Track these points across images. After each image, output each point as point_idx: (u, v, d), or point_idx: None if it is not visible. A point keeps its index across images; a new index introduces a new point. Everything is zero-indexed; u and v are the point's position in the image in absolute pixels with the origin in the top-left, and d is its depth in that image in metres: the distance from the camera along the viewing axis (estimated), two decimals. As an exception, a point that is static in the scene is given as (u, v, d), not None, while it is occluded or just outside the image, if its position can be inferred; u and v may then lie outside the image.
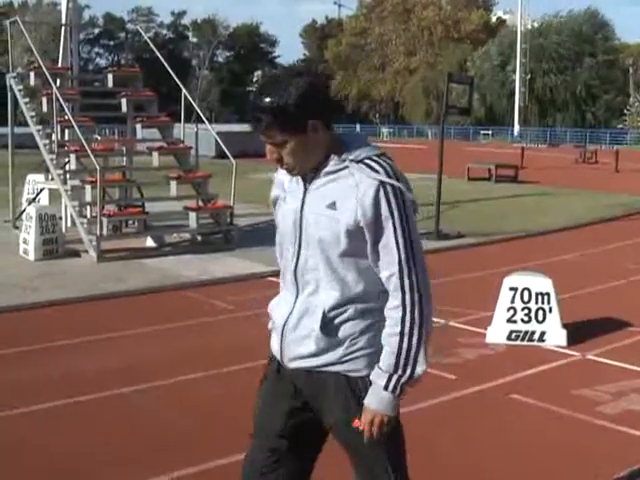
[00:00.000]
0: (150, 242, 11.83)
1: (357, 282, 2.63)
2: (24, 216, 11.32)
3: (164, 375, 6.01)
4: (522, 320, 6.94)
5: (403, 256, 2.58)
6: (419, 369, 2.59)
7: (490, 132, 63.49)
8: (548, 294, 6.91)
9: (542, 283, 6.95)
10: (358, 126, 76.67)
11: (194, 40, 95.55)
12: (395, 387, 2.57)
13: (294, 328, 2.71)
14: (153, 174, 13.17)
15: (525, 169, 26.60)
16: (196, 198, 12.36)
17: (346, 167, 2.60)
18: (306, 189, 2.67)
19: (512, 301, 6.98)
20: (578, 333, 6.97)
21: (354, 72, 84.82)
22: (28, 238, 10.70)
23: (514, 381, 5.98)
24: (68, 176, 11.87)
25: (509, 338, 6.95)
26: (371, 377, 2.62)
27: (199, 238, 12.12)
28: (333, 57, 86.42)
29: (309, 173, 2.66)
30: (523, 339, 6.91)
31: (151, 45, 14.46)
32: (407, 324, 2.57)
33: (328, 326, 2.64)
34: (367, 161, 2.60)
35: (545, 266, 8.91)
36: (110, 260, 10.63)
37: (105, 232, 11.20)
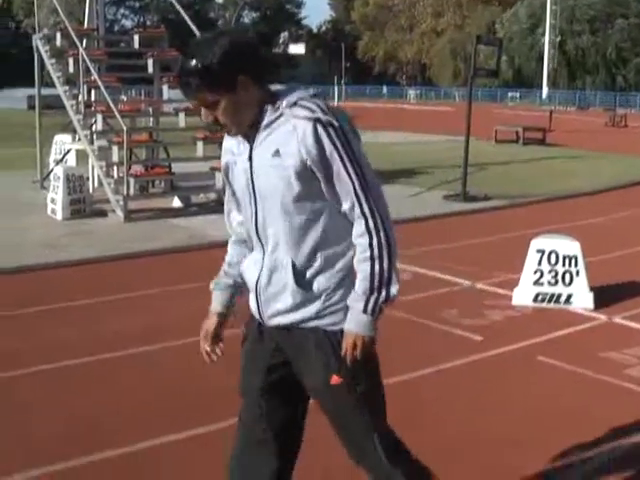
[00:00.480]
0: (177, 202, 11.88)
1: (316, 227, 2.67)
2: (52, 176, 11.40)
3: (189, 333, 5.94)
4: (549, 283, 6.91)
5: (357, 184, 2.61)
6: (393, 289, 2.64)
7: (518, 94, 62.80)
8: (575, 257, 6.86)
9: (569, 246, 6.91)
10: (385, 88, 76.16)
11: (220, 1, 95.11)
12: (374, 309, 2.63)
13: (267, 285, 2.75)
14: (179, 135, 13.18)
15: (553, 132, 26.33)
16: (222, 159, 12.31)
17: (281, 114, 2.63)
18: (252, 147, 2.71)
19: (539, 263, 6.95)
20: (605, 296, 6.93)
21: (381, 33, 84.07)
22: (56, 198, 10.78)
23: (540, 343, 5.96)
24: (95, 137, 11.91)
25: (535, 300, 6.93)
26: (348, 302, 2.67)
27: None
28: (360, 18, 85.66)
29: (251, 132, 2.70)
30: (550, 301, 6.89)
31: (177, 6, 14.35)
32: (375, 248, 2.62)
33: (301, 279, 2.69)
34: (300, 102, 2.62)
35: (573, 229, 8.84)
36: (137, 220, 10.70)
37: (132, 192, 11.26)
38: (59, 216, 10.66)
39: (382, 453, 2.79)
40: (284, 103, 2.64)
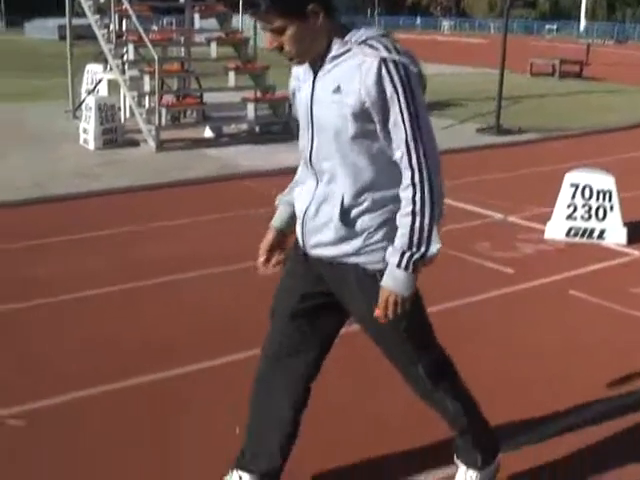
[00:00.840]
0: (208, 133, 11.85)
1: (370, 168, 2.63)
2: (83, 106, 11.39)
3: (218, 263, 6.09)
4: (582, 217, 6.84)
5: (410, 134, 2.55)
6: (433, 248, 2.61)
7: (555, 27, 61.43)
8: (610, 192, 6.78)
9: (604, 180, 6.82)
10: (418, 19, 74.85)
11: None
12: (407, 264, 2.60)
13: (314, 216, 2.75)
14: (211, 65, 13.06)
15: (590, 65, 25.77)
16: (254, 89, 12.29)
17: (349, 49, 2.57)
18: (315, 77, 2.66)
19: (572, 198, 6.87)
20: (638, 232, 6.87)
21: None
22: (88, 128, 10.79)
23: (572, 277, 5.94)
24: (126, 66, 11.84)
25: (568, 235, 6.88)
26: (386, 256, 2.65)
27: (257, 129, 12.10)
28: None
29: (317, 61, 2.64)
30: (582, 236, 6.84)
31: None
32: (418, 203, 2.57)
33: (346, 216, 2.67)
34: (369, 41, 2.55)
35: (608, 164, 8.70)
36: (169, 150, 10.70)
37: (164, 122, 11.24)
38: (91, 146, 10.68)
39: (426, 380, 2.88)
40: (353, 39, 2.57)
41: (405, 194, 2.60)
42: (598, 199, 6.82)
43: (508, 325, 5.08)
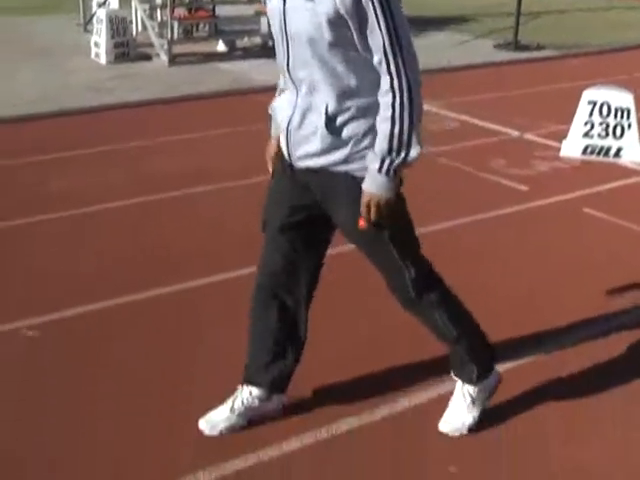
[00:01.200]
0: (221, 46, 11.66)
1: (350, 74, 2.59)
2: (94, 19, 11.20)
3: (232, 177, 6.06)
4: (599, 135, 6.74)
5: (387, 40, 2.51)
6: (413, 152, 2.59)
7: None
8: (628, 110, 6.65)
9: (623, 98, 6.68)
10: None
11: None
12: (388, 170, 2.59)
13: (298, 126, 2.72)
14: (224, -23, 12.81)
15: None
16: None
17: None
18: None
19: (590, 115, 6.75)
20: (656, 150, 6.79)
21: None
22: (99, 41, 10.63)
23: (587, 195, 5.88)
24: (137, -23, 11.63)
25: (584, 153, 6.78)
26: (366, 162, 2.64)
27: (271, 43, 11.86)
28: None
29: None
30: (599, 154, 6.74)
31: None
32: (397, 108, 2.55)
33: (332, 124, 2.64)
34: None
35: (627, 82, 8.50)
36: (181, 64, 10.55)
37: (176, 36, 11.07)
38: (103, 60, 10.53)
39: (411, 290, 2.87)
40: None
41: (384, 100, 2.57)
42: (616, 117, 6.70)
43: (521, 242, 5.05)
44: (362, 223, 2.68)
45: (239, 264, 4.48)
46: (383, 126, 2.58)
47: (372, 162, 2.62)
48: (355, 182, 2.70)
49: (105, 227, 5.24)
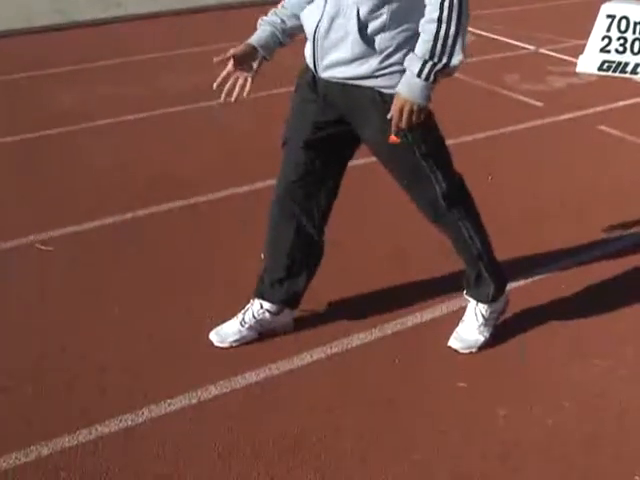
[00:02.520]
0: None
1: None
2: None
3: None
4: (616, 50, 6.56)
5: None
6: (456, 59, 2.48)
7: None
8: (647, 24, 6.48)
9: (642, 12, 6.49)
10: None
11: None
12: (428, 74, 2.46)
13: (326, 33, 2.59)
14: None
15: None
16: None
17: None
18: None
19: (608, 30, 6.56)
20: (675, 66, 6.60)
21: None
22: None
23: (602, 112, 5.74)
24: None
25: (601, 69, 6.60)
26: (405, 64, 2.52)
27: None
28: None
29: None
30: (615, 70, 6.56)
31: None
32: (446, 9, 2.42)
33: (363, 30, 2.52)
34: None
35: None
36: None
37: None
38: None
39: (441, 202, 2.79)
40: None
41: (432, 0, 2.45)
42: (635, 32, 6.50)
43: (533, 159, 4.96)
44: (393, 138, 2.58)
45: (259, 176, 4.40)
46: (428, 27, 2.45)
47: (411, 65, 2.48)
48: (381, 98, 2.60)
49: (117, 141, 5.18)
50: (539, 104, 5.87)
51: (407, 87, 2.50)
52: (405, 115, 2.52)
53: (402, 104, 2.52)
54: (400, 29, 2.53)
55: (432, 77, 2.47)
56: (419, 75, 2.47)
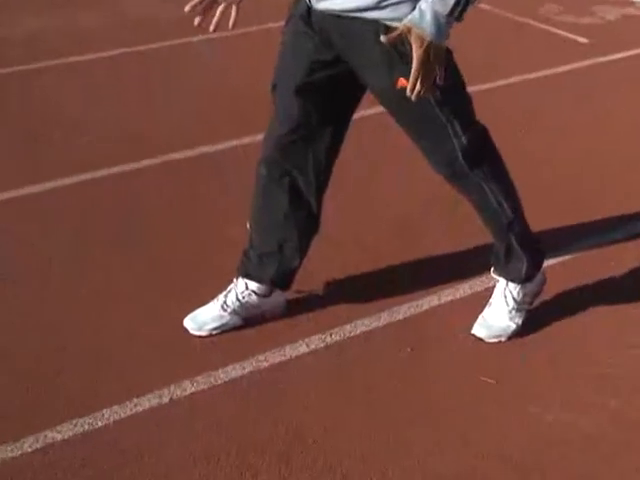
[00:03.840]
0: None
1: None
2: None
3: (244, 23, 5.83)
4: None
5: None
6: None
7: None
8: None
9: None
10: None
11: None
12: (461, 13, 2.23)
13: None
14: None
15: None
16: None
17: None
18: None
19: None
20: None
21: None
22: None
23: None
24: None
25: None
26: None
27: None
28: None
29: None
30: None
31: None
32: None
33: None
34: None
35: None
36: None
37: None
38: None
39: (462, 157, 2.61)
40: None
41: None
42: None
43: (577, 107, 4.72)
44: (402, 81, 2.35)
45: (252, 129, 4.14)
46: None
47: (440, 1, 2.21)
48: (388, 33, 2.31)
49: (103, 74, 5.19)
50: (584, 41, 5.64)
51: (423, 19, 2.22)
52: (433, 64, 2.27)
53: (416, 39, 2.24)
54: None
55: (457, 13, 2.22)
56: (451, 13, 2.22)
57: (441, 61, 2.29)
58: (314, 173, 2.75)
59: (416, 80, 2.27)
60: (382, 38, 2.26)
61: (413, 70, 2.26)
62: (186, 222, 3.61)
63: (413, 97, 2.30)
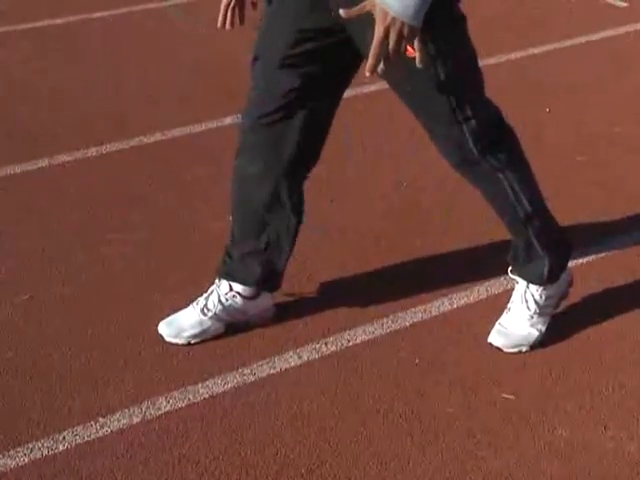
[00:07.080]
0: None
1: None
2: None
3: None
4: None
5: None
6: None
7: None
8: None
9: None
10: None
11: None
12: None
13: None
14: None
15: None
16: None
17: None
18: None
19: None
20: None
21: None
22: None
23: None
24: None
25: None
26: None
27: None
28: None
29: None
30: None
31: None
32: None
33: None
34: None
35: None
36: None
37: None
38: None
39: (472, 142, 2.61)
40: None
41: None
42: None
43: (616, 78, 4.74)
44: (410, 51, 2.30)
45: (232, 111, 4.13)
46: None
47: None
48: None
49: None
50: (623, 4, 5.66)
51: (401, 3, 2.21)
52: (393, 36, 2.24)
53: (390, 26, 2.22)
54: None
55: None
56: None
57: (409, 39, 2.25)
58: (299, 157, 2.74)
59: (375, 58, 2.25)
60: (341, 12, 2.22)
61: (372, 47, 2.23)
62: (164, 212, 3.65)
63: (367, 72, 2.28)
